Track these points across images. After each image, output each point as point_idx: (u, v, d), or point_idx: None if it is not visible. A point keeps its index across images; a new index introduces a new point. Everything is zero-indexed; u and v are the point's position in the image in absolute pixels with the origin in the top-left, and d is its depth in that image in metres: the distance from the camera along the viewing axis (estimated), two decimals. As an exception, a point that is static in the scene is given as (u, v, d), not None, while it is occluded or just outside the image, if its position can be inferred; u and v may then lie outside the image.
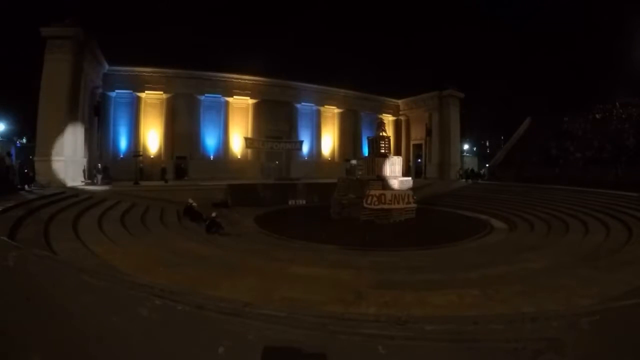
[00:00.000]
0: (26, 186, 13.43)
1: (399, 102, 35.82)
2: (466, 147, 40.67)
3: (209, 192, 19.01)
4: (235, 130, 27.90)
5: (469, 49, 46.78)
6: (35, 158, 16.14)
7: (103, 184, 18.12)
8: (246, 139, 27.09)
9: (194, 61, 26.72)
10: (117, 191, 16.23)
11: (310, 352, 1.29)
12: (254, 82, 28.50)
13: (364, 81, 33.98)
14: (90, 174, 19.32)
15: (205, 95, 26.77)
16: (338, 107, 32.65)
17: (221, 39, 38.39)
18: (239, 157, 28.06)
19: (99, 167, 19.42)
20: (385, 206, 16.01)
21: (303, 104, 30.84)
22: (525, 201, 18.35)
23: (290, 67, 30.03)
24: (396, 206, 16.30)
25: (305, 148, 30.35)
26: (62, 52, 16.62)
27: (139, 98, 25.19)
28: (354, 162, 27.37)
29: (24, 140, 32.11)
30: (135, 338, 1.40)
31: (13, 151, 24.83)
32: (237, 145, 27.88)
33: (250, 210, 17.53)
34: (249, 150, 27.78)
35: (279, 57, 33.11)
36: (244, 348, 1.31)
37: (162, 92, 25.57)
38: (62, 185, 15.25)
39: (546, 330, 1.37)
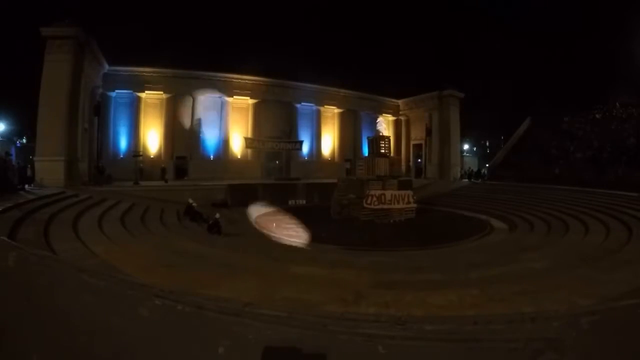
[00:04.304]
0: (26, 186, 13.43)
1: (399, 102, 35.82)
2: (466, 147, 40.63)
3: (209, 192, 19.02)
4: (235, 130, 27.90)
5: (469, 49, 46.80)
6: (35, 158, 16.13)
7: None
8: (246, 139, 27.09)
9: (194, 61, 26.72)
10: (117, 191, 16.23)
11: (310, 352, 1.29)
12: (254, 82, 28.50)
13: (364, 81, 34.01)
14: (90, 174, 19.30)
15: (206, 95, 26.77)
16: (338, 107, 32.65)
17: (221, 39, 38.38)
18: (239, 157, 28.06)
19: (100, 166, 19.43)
20: (385, 206, 16.03)
21: (303, 104, 30.83)
22: (525, 201, 18.36)
23: (290, 67, 29.99)
24: (396, 206, 16.32)
25: (305, 148, 30.35)
26: (62, 52, 16.61)
27: (139, 98, 25.18)
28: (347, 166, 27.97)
29: (24, 140, 32.10)
30: (135, 338, 1.40)
31: (13, 151, 24.83)
32: (237, 145, 27.88)
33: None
34: (249, 150, 27.77)
35: (279, 57, 33.09)
36: (244, 348, 1.31)
37: (162, 92, 25.56)
38: (62, 185, 15.23)
39: (546, 330, 1.37)
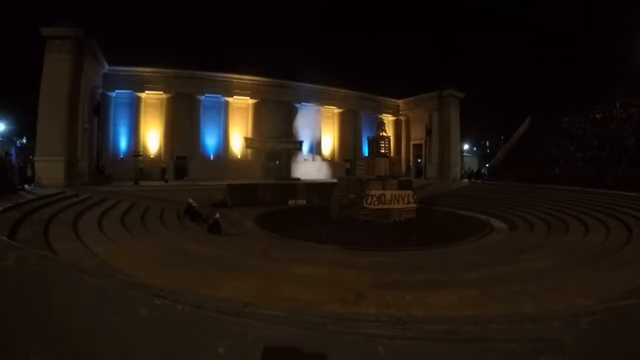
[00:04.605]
0: (26, 186, 13.43)
1: (399, 102, 35.82)
2: (466, 147, 40.65)
3: (209, 192, 19.03)
4: (235, 130, 27.90)
5: (469, 48, 46.80)
6: (35, 158, 16.13)
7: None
8: (246, 139, 27.09)
9: (194, 61, 26.71)
10: (117, 191, 16.23)
11: (310, 352, 1.29)
12: (254, 82, 28.49)
13: (364, 81, 34.01)
14: (90, 174, 19.30)
15: (205, 95, 26.76)
16: (338, 107, 32.65)
17: (221, 39, 38.38)
18: (239, 157, 28.06)
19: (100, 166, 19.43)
20: (385, 206, 16.03)
21: (303, 104, 30.83)
22: (525, 201, 18.35)
23: (290, 67, 29.99)
24: (396, 206, 16.31)
25: (305, 148, 30.36)
26: (62, 52, 16.62)
27: (139, 98, 25.18)
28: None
29: (24, 140, 32.13)
30: (135, 338, 1.40)
31: (13, 151, 24.84)
32: (237, 145, 27.88)
33: (250, 211, 17.54)
34: (249, 150, 27.79)
35: (279, 57, 33.08)
36: (244, 348, 1.31)
37: (162, 92, 25.56)
38: (62, 185, 15.23)
39: (546, 330, 1.37)
